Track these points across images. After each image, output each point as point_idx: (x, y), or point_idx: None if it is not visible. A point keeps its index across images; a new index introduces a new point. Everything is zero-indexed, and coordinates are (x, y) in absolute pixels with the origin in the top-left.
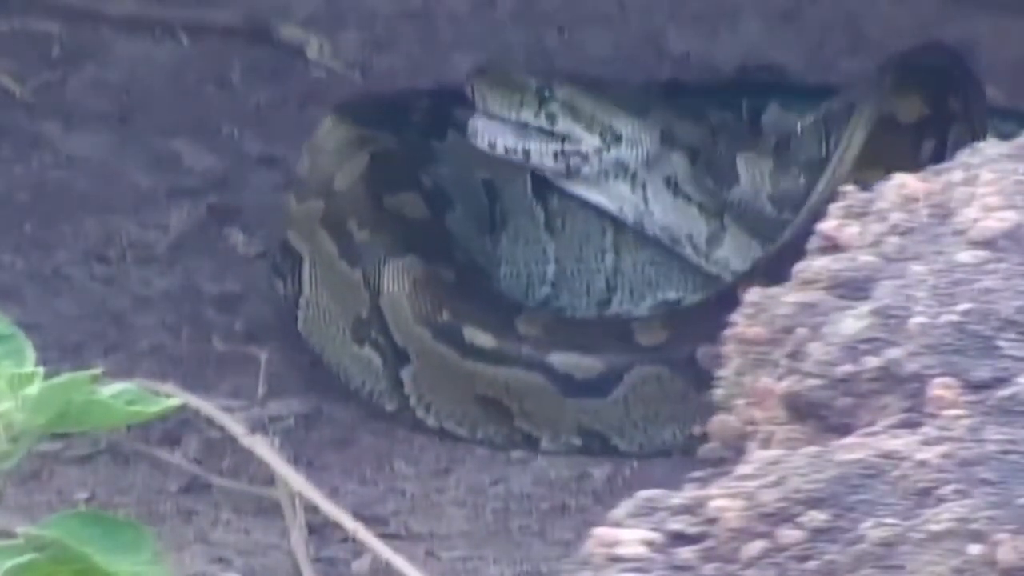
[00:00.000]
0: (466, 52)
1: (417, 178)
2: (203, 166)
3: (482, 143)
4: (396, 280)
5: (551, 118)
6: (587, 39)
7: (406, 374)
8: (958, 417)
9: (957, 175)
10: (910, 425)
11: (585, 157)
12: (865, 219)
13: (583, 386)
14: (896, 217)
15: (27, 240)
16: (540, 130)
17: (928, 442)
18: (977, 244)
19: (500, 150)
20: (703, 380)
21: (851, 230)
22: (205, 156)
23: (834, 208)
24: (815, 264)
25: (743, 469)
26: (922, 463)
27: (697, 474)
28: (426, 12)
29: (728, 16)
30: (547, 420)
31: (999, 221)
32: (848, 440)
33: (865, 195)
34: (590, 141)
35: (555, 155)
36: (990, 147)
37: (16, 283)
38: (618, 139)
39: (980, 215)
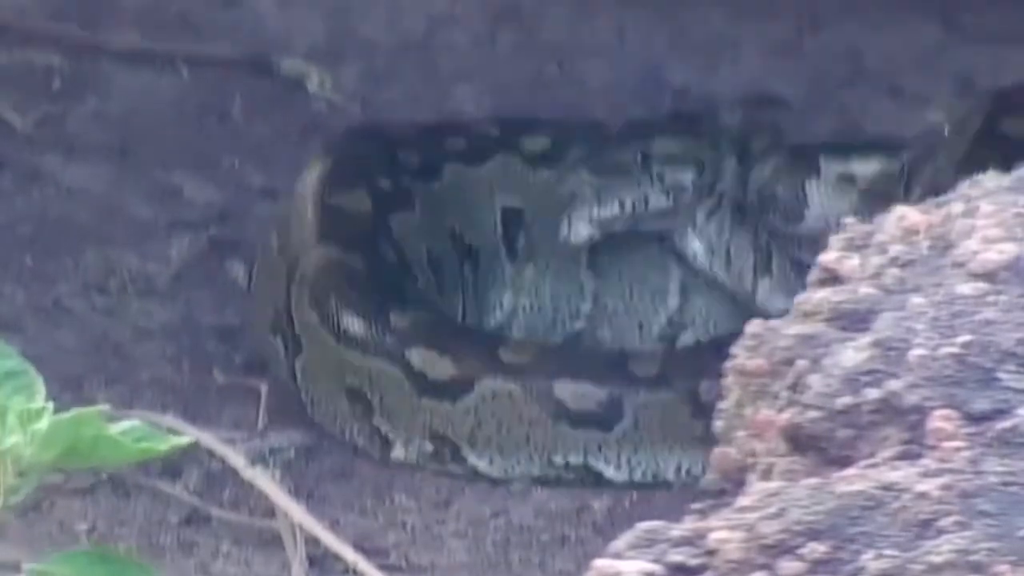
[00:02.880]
0: (466, 84)
1: (373, 179)
2: (204, 198)
3: (606, 224)
4: (307, 267)
5: (660, 178)
6: (587, 72)
7: (299, 363)
8: (958, 449)
9: (957, 207)
10: (910, 457)
11: (684, 189)
12: (865, 251)
13: (434, 387)
14: (896, 249)
15: (28, 272)
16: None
17: (928, 474)
18: (977, 276)
19: (616, 212)
20: (558, 410)
21: (851, 262)
22: (206, 188)
23: (835, 240)
24: (815, 296)
25: (743, 501)
26: (922, 495)
27: (697, 506)
28: (426, 45)
29: (728, 48)
30: (402, 419)
31: (999, 253)
32: (848, 472)
33: (865, 227)
34: (686, 177)
35: (667, 192)
36: (990, 179)
37: (17, 315)
38: (702, 169)
39: (980, 247)
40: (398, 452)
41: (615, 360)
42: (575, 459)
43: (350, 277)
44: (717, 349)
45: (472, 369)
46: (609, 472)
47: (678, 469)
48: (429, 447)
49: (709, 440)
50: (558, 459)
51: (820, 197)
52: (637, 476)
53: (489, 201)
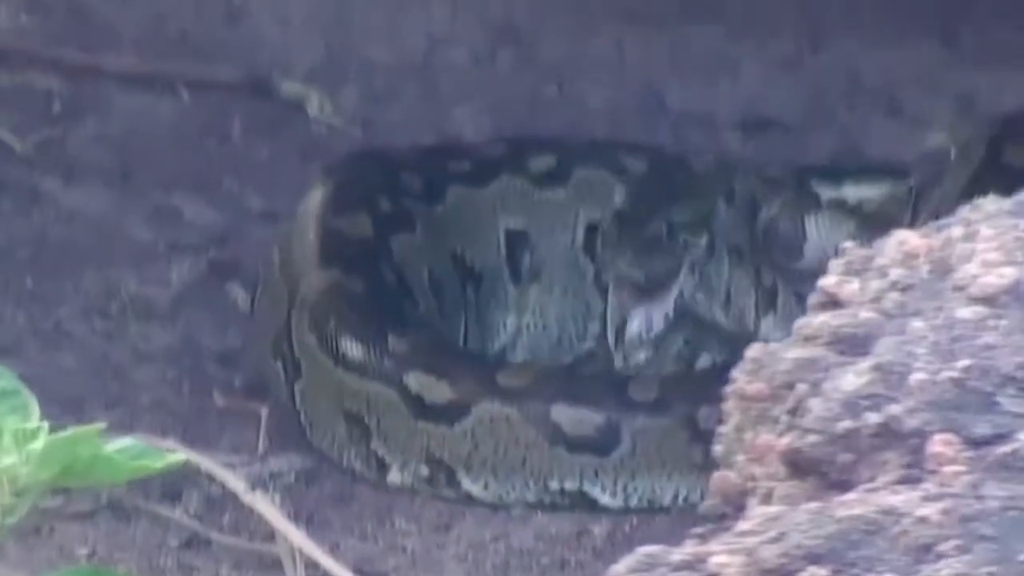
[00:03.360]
0: (466, 106)
1: (374, 201)
2: (204, 221)
3: (647, 334)
4: (308, 291)
5: (685, 246)
6: (587, 93)
7: (298, 387)
8: (958, 473)
9: (957, 231)
10: (910, 481)
11: (700, 251)
12: (865, 275)
13: (431, 410)
14: (896, 273)
15: (28, 295)
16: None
17: (928, 498)
18: (977, 300)
19: (661, 324)
20: (556, 435)
21: (851, 286)
22: (206, 211)
23: (834, 264)
24: (815, 320)
25: (743, 525)
26: (922, 519)
27: (697, 530)
28: (426, 67)
29: (728, 68)
30: (398, 443)
31: (999, 277)
32: (848, 496)
33: (865, 251)
34: (702, 242)
35: (691, 268)
36: (990, 203)
37: (17, 338)
38: (711, 229)
39: (980, 271)
40: (394, 476)
41: (614, 384)
42: (571, 485)
43: (350, 300)
44: (718, 375)
45: (469, 393)
46: (604, 499)
47: (675, 496)
48: (425, 471)
49: (707, 467)
50: (554, 484)
51: (817, 231)
52: (633, 503)
53: (492, 223)
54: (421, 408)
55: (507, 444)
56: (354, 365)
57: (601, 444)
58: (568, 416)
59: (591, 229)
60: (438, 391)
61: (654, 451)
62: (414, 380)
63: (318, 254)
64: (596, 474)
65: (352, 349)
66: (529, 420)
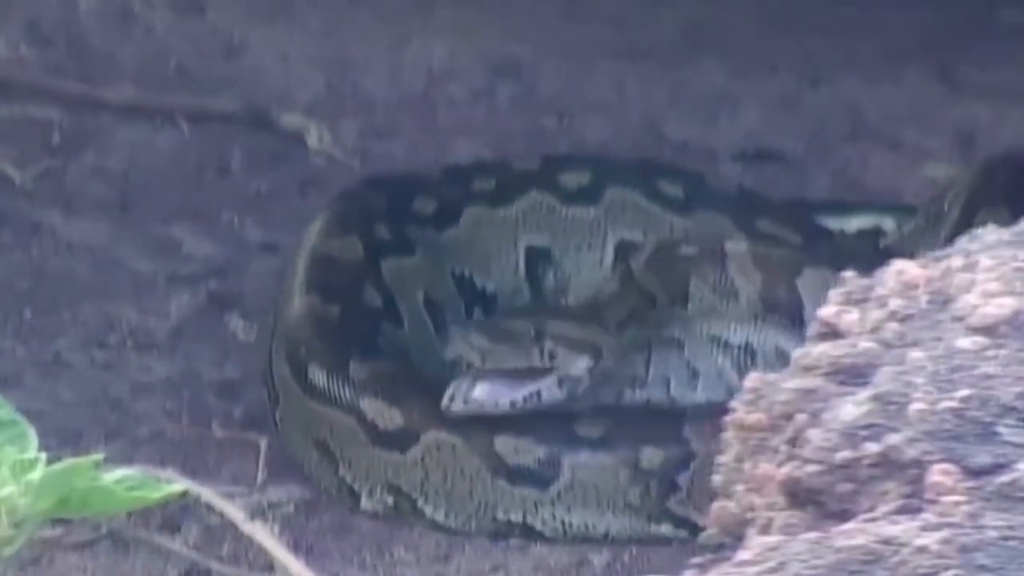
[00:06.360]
0: (466, 139)
1: (370, 226)
2: (203, 253)
3: (490, 407)
4: (288, 318)
5: (552, 355)
6: (586, 126)
7: (278, 416)
8: (958, 503)
9: (957, 261)
10: (910, 511)
11: (579, 380)
12: (865, 305)
13: (385, 437)
14: (896, 303)
15: (27, 327)
16: (536, 369)
17: (928, 528)
18: (976, 330)
19: (506, 406)
20: (499, 466)
21: (851, 316)
22: (205, 243)
23: (834, 294)
24: (815, 350)
25: (742, 555)
26: (922, 549)
27: (697, 560)
28: (426, 100)
29: (728, 103)
30: (361, 470)
31: (998, 307)
32: (848, 526)
33: (865, 281)
34: (581, 364)
35: (559, 383)
36: (989, 233)
37: (16, 369)
38: (600, 353)
39: (979, 301)
40: (365, 503)
41: (562, 418)
42: (516, 516)
43: (320, 327)
44: (674, 417)
45: (418, 420)
46: (547, 532)
47: (605, 535)
48: (390, 499)
49: (643, 508)
50: (500, 515)
51: (810, 292)
52: (568, 537)
53: (511, 242)
54: (376, 434)
55: (453, 473)
56: (318, 392)
57: (540, 477)
58: (511, 447)
59: (621, 248)
60: (390, 417)
61: (591, 488)
62: (369, 406)
63: (302, 281)
64: (536, 507)
65: (316, 376)
66: (472, 449)
